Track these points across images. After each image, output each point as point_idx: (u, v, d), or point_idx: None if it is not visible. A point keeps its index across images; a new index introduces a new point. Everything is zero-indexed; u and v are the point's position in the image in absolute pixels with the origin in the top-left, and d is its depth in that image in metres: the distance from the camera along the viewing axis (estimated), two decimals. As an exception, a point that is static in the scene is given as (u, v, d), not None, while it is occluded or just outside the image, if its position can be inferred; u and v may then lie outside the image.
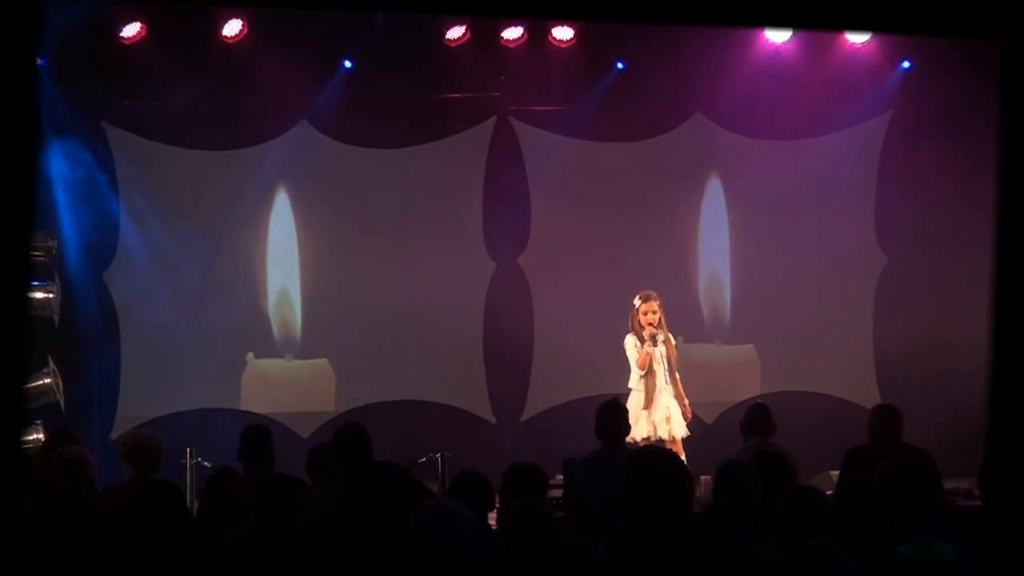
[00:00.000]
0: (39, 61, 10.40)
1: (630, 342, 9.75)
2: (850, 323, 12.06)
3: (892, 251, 12.09)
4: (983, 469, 6.01)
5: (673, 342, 9.86)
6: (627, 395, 9.55)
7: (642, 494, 4.96)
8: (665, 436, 9.61)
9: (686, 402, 9.77)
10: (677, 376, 9.78)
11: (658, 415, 9.65)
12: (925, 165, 11.75)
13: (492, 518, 6.17)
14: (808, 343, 11.97)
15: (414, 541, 4.36)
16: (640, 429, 9.57)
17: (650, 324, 9.68)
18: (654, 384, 9.65)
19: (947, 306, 11.17)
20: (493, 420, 12.07)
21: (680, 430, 9.68)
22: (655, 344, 9.65)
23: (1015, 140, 2.59)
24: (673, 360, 9.77)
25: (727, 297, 12.09)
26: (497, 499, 6.00)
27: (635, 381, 9.72)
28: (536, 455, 7.23)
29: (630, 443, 9.33)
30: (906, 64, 11.91)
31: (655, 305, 9.75)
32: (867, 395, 11.67)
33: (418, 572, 4.29)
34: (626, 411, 7.64)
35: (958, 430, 10.02)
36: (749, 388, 11.74)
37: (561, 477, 8.23)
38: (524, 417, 12.07)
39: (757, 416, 8.36)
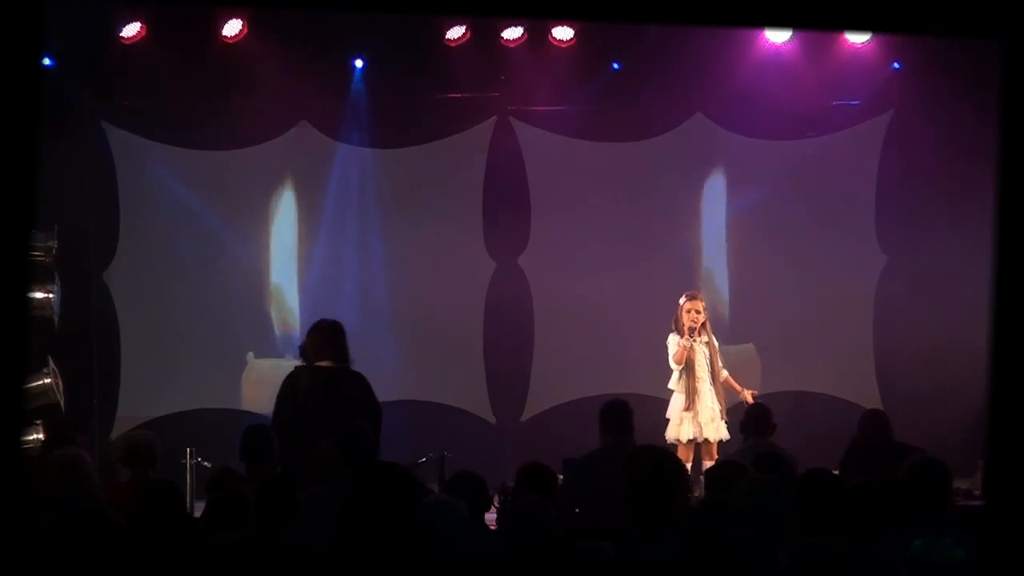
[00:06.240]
0: (47, 61, 10.54)
1: (672, 340, 9.73)
2: (850, 323, 12.05)
3: (892, 251, 12.08)
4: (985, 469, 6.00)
5: (716, 345, 9.86)
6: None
7: (641, 494, 4.96)
8: (712, 437, 9.58)
9: (723, 406, 9.74)
10: (720, 377, 9.76)
11: (704, 416, 9.62)
12: (925, 165, 11.74)
13: (490, 518, 6.16)
14: (808, 343, 11.96)
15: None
16: (685, 430, 9.56)
17: (692, 322, 9.66)
18: (695, 384, 9.62)
19: (947, 306, 11.16)
20: (493, 420, 12.06)
21: (724, 432, 9.66)
22: (693, 339, 9.62)
23: (1015, 140, 2.59)
24: (717, 362, 9.75)
25: (726, 297, 12.08)
26: (496, 499, 6.00)
27: (675, 381, 9.68)
28: (536, 455, 7.22)
29: (672, 444, 9.37)
30: (896, 65, 11.88)
31: (699, 305, 9.76)
32: (867, 395, 11.66)
33: (418, 571, 4.29)
34: (630, 412, 7.59)
35: (958, 430, 10.04)
36: (749, 388, 11.72)
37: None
38: (524, 417, 12.06)
39: (757, 416, 8.37)
